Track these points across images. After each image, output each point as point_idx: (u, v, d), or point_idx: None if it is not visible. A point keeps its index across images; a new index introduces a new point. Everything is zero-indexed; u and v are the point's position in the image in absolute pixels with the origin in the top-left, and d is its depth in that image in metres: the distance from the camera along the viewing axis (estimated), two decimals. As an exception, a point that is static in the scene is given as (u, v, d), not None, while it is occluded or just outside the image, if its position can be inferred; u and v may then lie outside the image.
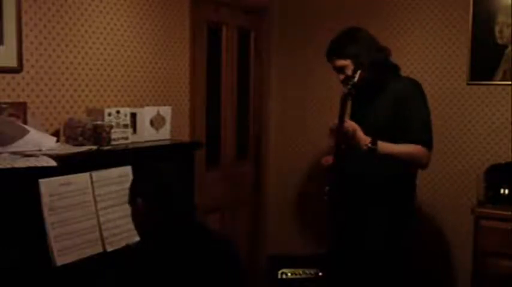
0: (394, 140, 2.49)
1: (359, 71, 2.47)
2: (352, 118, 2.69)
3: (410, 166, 2.58)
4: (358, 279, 2.66)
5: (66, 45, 2.52)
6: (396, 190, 2.60)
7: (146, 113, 2.68)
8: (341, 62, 2.60)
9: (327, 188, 2.68)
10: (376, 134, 2.48)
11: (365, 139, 2.45)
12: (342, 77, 2.63)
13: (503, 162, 3.36)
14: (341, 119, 2.43)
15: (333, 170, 2.64)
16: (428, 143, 2.50)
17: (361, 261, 2.64)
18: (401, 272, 2.68)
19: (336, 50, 2.64)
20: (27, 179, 1.92)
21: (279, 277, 3.69)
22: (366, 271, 2.62)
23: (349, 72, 2.57)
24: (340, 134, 2.45)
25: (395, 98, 2.53)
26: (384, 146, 2.45)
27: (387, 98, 2.55)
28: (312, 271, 3.68)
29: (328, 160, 2.72)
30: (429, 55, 3.61)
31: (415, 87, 2.59)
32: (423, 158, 2.50)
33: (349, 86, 2.44)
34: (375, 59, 2.58)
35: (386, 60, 2.66)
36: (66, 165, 2.04)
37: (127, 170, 2.31)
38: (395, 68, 2.69)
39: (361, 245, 2.64)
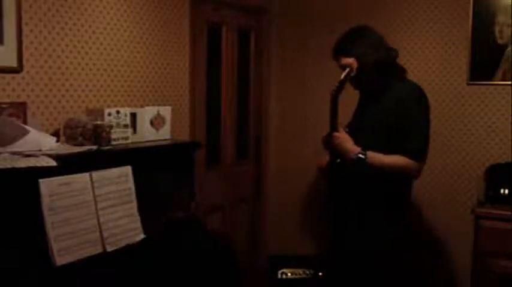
0: (390, 143, 2.46)
1: (347, 69, 2.46)
2: (354, 118, 2.73)
3: (399, 177, 2.52)
4: (354, 279, 2.65)
5: (66, 45, 2.52)
6: (390, 192, 2.56)
7: (146, 113, 2.68)
8: (345, 60, 2.55)
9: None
10: (375, 136, 2.50)
11: (354, 149, 2.46)
12: None
13: (503, 162, 3.36)
14: (332, 127, 2.51)
15: (328, 170, 2.71)
16: (420, 156, 2.46)
17: (354, 260, 2.62)
18: (396, 271, 2.65)
19: (340, 49, 2.60)
20: (27, 179, 1.92)
21: (279, 277, 3.70)
22: (359, 271, 2.60)
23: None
24: (330, 143, 2.54)
25: (398, 103, 2.47)
26: (373, 157, 2.44)
27: (390, 101, 2.50)
28: (312, 271, 3.68)
29: (321, 161, 2.79)
30: (429, 55, 3.61)
31: (419, 95, 2.52)
32: (412, 171, 2.47)
33: (337, 84, 2.45)
34: (380, 59, 2.53)
35: (392, 61, 2.60)
36: (66, 165, 2.04)
37: (127, 170, 2.31)
38: (401, 71, 2.62)
39: (353, 245, 2.62)
